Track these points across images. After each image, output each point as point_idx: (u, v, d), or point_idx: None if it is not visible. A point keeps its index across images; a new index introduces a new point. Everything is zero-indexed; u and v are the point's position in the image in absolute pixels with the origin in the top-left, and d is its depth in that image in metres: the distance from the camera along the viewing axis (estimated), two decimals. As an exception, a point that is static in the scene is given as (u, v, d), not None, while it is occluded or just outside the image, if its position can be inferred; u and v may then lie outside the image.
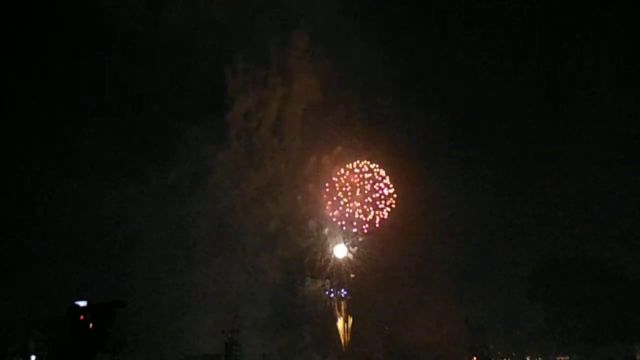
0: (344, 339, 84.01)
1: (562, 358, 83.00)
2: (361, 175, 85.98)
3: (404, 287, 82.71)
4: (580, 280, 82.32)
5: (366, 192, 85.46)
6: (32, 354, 72.35)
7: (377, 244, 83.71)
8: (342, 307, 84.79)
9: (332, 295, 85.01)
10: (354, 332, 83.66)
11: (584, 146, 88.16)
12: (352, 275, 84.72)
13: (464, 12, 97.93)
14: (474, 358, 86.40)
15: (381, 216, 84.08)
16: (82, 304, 23.77)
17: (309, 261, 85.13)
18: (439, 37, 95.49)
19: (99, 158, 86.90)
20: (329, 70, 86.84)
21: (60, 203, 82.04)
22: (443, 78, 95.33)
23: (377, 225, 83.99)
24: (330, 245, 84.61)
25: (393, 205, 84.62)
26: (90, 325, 23.15)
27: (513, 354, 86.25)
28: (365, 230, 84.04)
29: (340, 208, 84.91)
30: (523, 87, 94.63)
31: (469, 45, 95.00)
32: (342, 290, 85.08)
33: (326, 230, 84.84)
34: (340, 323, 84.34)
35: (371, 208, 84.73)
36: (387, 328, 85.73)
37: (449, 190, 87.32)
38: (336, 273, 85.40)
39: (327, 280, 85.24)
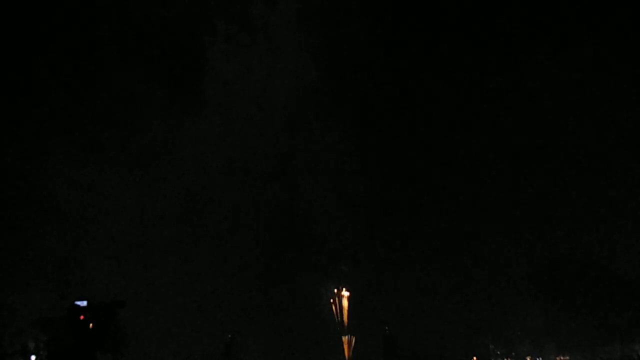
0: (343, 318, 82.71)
1: (562, 358, 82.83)
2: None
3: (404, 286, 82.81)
4: (580, 280, 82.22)
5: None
6: (32, 354, 72.14)
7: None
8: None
9: None
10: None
11: (584, 146, 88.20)
12: (343, 267, 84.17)
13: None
14: (474, 358, 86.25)
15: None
16: (82, 304, 23.72)
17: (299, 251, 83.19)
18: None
19: (50, 125, 75.01)
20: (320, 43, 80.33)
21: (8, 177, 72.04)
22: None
23: None
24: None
25: None
26: (90, 325, 23.12)
27: (513, 353, 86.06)
28: None
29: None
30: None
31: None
32: None
33: None
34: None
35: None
36: (387, 328, 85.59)
37: (449, 190, 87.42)
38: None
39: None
